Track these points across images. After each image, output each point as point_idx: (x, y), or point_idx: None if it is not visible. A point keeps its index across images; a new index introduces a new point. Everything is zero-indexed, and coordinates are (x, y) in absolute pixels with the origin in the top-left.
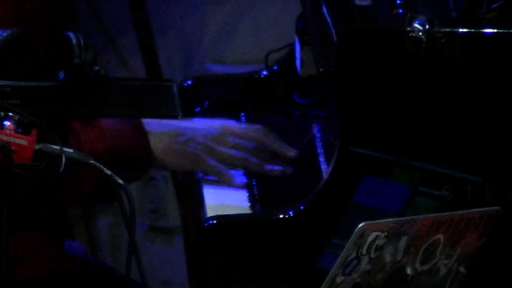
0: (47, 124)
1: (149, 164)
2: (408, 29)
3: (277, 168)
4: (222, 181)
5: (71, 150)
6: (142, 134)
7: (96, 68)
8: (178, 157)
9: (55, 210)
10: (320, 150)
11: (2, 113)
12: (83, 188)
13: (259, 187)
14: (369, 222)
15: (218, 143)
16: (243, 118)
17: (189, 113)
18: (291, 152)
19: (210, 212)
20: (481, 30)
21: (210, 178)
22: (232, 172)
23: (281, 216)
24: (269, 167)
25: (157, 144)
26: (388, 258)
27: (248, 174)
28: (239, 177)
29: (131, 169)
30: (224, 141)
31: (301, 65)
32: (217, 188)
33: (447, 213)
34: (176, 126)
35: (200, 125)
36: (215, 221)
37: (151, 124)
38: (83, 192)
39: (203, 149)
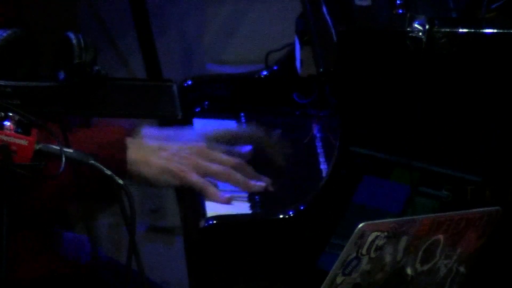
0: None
1: (123, 175)
2: (408, 29)
3: (259, 184)
4: (207, 197)
5: (71, 150)
6: (121, 144)
7: (96, 68)
8: (159, 172)
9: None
10: (320, 150)
11: (2, 113)
12: (83, 188)
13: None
14: (369, 222)
15: (202, 157)
16: (243, 118)
17: (189, 113)
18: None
19: (210, 212)
20: (481, 30)
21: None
22: (219, 185)
23: (281, 216)
24: (252, 182)
25: (135, 157)
26: (388, 258)
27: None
28: (224, 192)
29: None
30: (208, 156)
31: (301, 65)
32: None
33: (447, 213)
34: (162, 140)
35: (188, 138)
36: (215, 221)
37: (137, 134)
38: (83, 192)
39: (187, 164)
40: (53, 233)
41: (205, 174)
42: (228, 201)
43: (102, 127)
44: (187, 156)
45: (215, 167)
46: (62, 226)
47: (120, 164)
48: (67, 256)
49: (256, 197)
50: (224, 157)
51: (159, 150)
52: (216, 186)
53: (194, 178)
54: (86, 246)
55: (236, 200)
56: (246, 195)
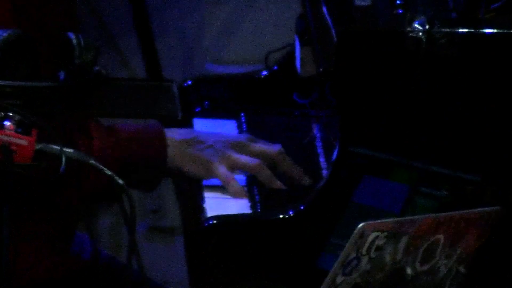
0: (49, 125)
1: (162, 172)
2: (408, 29)
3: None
4: (229, 192)
5: (71, 150)
6: (161, 142)
7: (97, 68)
8: (192, 163)
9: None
10: (320, 150)
11: (2, 113)
12: (83, 189)
13: (259, 187)
14: (369, 222)
15: (236, 150)
16: (243, 118)
17: (189, 113)
18: (304, 181)
19: (210, 212)
20: (481, 30)
21: (209, 183)
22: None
23: (281, 216)
24: (278, 182)
25: (174, 152)
26: (388, 258)
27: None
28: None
29: (143, 178)
30: (243, 149)
31: (301, 65)
32: (217, 189)
33: (447, 213)
34: (198, 134)
35: (225, 135)
36: (215, 221)
37: (173, 131)
38: (83, 193)
39: (218, 156)
40: (48, 231)
41: (234, 166)
42: (247, 197)
43: (132, 128)
44: (220, 148)
45: (243, 159)
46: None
47: (160, 158)
48: (71, 254)
49: (256, 197)
50: (258, 150)
51: (195, 142)
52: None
53: (221, 171)
54: (87, 244)
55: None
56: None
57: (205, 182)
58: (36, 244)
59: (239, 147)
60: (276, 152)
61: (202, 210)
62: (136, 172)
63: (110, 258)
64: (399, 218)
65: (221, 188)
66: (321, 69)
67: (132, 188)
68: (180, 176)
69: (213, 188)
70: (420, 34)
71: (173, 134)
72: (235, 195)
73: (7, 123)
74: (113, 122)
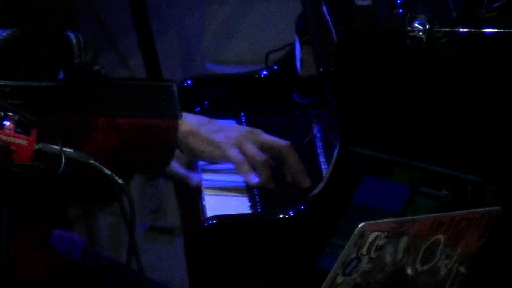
0: (50, 124)
1: (173, 147)
2: (408, 29)
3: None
4: (241, 172)
5: (71, 150)
6: (173, 117)
7: (96, 68)
8: (203, 143)
9: (54, 208)
10: (320, 150)
11: (2, 113)
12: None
13: (259, 187)
14: (369, 222)
15: (247, 139)
16: (243, 118)
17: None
18: (306, 182)
19: (210, 212)
20: (481, 30)
21: (210, 182)
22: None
23: (281, 216)
24: (272, 183)
25: (185, 127)
26: (388, 258)
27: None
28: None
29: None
30: (254, 140)
31: (301, 65)
32: (217, 189)
33: (447, 213)
34: (213, 119)
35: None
36: (215, 221)
37: (186, 114)
38: (82, 191)
39: (232, 141)
40: (48, 229)
41: (243, 153)
42: (255, 185)
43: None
44: (233, 133)
45: (253, 150)
46: (60, 225)
47: (171, 134)
48: (59, 253)
49: (256, 197)
50: (270, 141)
51: (209, 123)
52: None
53: (233, 152)
54: (77, 243)
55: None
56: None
57: (205, 184)
58: (30, 243)
59: (251, 136)
60: (287, 145)
61: (202, 210)
62: (147, 144)
63: (108, 260)
64: (400, 218)
65: (221, 188)
66: (321, 69)
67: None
68: (192, 155)
69: (213, 188)
70: (421, 33)
71: (187, 114)
72: (246, 177)
73: (6, 123)
74: None
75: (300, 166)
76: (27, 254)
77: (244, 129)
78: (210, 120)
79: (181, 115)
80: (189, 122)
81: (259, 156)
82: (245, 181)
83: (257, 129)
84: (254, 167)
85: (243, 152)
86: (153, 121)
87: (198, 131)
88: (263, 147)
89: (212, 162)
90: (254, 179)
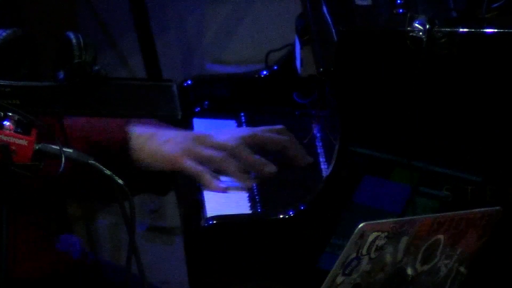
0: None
1: (127, 162)
2: (408, 29)
3: (251, 177)
4: (202, 184)
5: (71, 150)
6: (123, 131)
7: (96, 68)
8: (153, 157)
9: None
10: (320, 150)
11: (2, 113)
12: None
13: (259, 187)
14: (369, 222)
15: (198, 143)
16: (243, 118)
17: (189, 113)
18: (307, 159)
19: (210, 212)
20: (481, 30)
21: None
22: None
23: (281, 216)
24: (244, 175)
25: (134, 143)
26: (388, 258)
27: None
28: (221, 181)
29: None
30: (204, 142)
31: (301, 65)
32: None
33: (447, 213)
34: (159, 130)
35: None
36: (215, 221)
37: (134, 127)
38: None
39: (181, 149)
40: (48, 228)
41: (197, 159)
42: (223, 190)
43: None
44: (181, 141)
45: (207, 152)
46: (60, 226)
47: (123, 146)
48: (60, 254)
49: (256, 197)
50: (221, 142)
51: (154, 136)
52: (217, 177)
53: (187, 163)
54: (76, 245)
55: (234, 190)
56: (243, 187)
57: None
58: (29, 242)
59: (201, 140)
60: (235, 142)
61: (202, 210)
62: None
63: (105, 263)
64: (400, 218)
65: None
66: (321, 69)
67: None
68: (147, 170)
69: None
70: (421, 33)
71: (133, 129)
72: (210, 187)
73: (6, 123)
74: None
75: (298, 145)
76: (26, 252)
77: (192, 134)
78: (156, 131)
79: (181, 115)
80: (136, 136)
81: (216, 154)
82: (211, 189)
83: (205, 133)
84: (219, 171)
85: (197, 158)
86: (105, 137)
87: (145, 146)
88: (217, 147)
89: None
90: (218, 185)
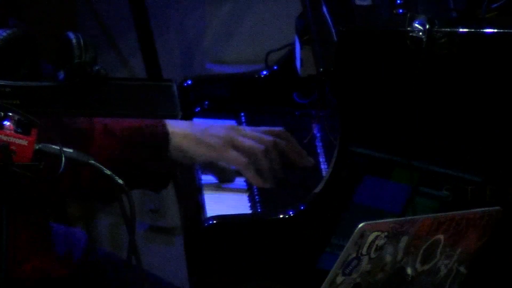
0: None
1: (167, 153)
2: (408, 29)
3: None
4: (246, 177)
5: (71, 150)
6: (163, 128)
7: (96, 68)
8: (198, 144)
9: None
10: (320, 150)
11: (2, 113)
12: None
13: (259, 187)
14: (369, 222)
15: (238, 134)
16: (243, 118)
17: (189, 113)
18: (309, 161)
19: (210, 212)
20: (481, 30)
21: (209, 182)
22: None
23: (281, 216)
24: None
25: (175, 129)
26: (388, 258)
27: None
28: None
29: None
30: (244, 133)
31: (301, 65)
32: (217, 189)
33: (447, 213)
34: (194, 122)
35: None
36: (215, 221)
37: (170, 122)
38: (80, 188)
39: (223, 138)
40: (46, 229)
41: (239, 148)
42: (268, 185)
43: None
44: (221, 130)
45: (249, 142)
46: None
47: (163, 137)
48: (60, 252)
49: (256, 197)
50: (258, 135)
51: (194, 124)
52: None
53: (233, 153)
54: (81, 240)
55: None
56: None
57: (204, 181)
58: (29, 242)
59: (239, 131)
60: (282, 131)
61: (202, 210)
62: (141, 166)
63: (107, 254)
64: (400, 218)
65: (221, 188)
66: (321, 69)
67: (143, 188)
68: (184, 158)
69: (213, 188)
70: (421, 33)
71: (172, 123)
72: (255, 181)
73: (6, 123)
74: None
75: (299, 148)
76: (26, 253)
77: (226, 125)
78: (192, 122)
79: (181, 115)
80: (179, 124)
81: (258, 146)
82: (252, 184)
83: (234, 124)
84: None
85: (237, 146)
86: (143, 122)
87: (190, 132)
88: (253, 138)
89: (205, 165)
90: (261, 181)
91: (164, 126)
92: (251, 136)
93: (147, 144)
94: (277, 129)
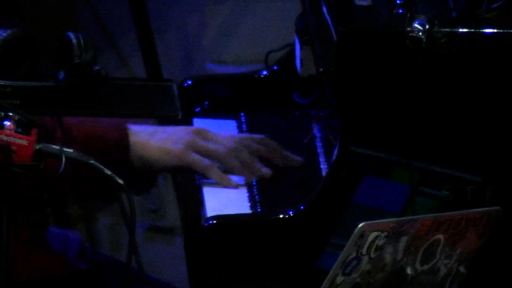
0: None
1: (127, 159)
2: (408, 29)
3: (266, 170)
4: (211, 178)
5: (71, 150)
6: (122, 127)
7: (96, 68)
8: (160, 152)
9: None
10: (320, 150)
11: (2, 113)
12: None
13: (259, 187)
14: (369, 222)
15: (200, 137)
16: (243, 118)
17: (189, 113)
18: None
19: (210, 212)
20: (481, 30)
21: (210, 181)
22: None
23: (281, 216)
24: (246, 172)
25: (136, 139)
26: (388, 258)
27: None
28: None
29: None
30: (206, 136)
31: (301, 65)
32: (217, 188)
33: (447, 213)
34: (158, 126)
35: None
36: (215, 221)
37: (132, 126)
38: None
39: (185, 144)
40: (45, 227)
41: (202, 153)
42: (234, 186)
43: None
44: (184, 135)
45: (211, 146)
46: (59, 224)
47: (123, 150)
48: (58, 252)
49: (256, 196)
50: (222, 138)
51: (155, 132)
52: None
53: (194, 157)
54: (74, 240)
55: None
56: (244, 186)
57: (204, 180)
58: (27, 241)
59: (202, 134)
60: (235, 142)
61: (202, 210)
62: (101, 156)
63: (105, 257)
64: (399, 218)
65: (221, 188)
66: (321, 69)
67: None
68: (148, 167)
69: (213, 188)
70: (420, 34)
71: (132, 127)
72: (220, 181)
73: (7, 123)
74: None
75: (281, 151)
76: (25, 253)
77: (191, 128)
78: (156, 127)
79: (181, 115)
80: (137, 133)
81: (221, 149)
82: (220, 184)
83: (203, 128)
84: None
85: (201, 152)
86: (107, 132)
87: (148, 142)
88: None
89: (173, 170)
90: (229, 180)
91: (124, 138)
92: (215, 139)
93: (106, 154)
94: (258, 136)
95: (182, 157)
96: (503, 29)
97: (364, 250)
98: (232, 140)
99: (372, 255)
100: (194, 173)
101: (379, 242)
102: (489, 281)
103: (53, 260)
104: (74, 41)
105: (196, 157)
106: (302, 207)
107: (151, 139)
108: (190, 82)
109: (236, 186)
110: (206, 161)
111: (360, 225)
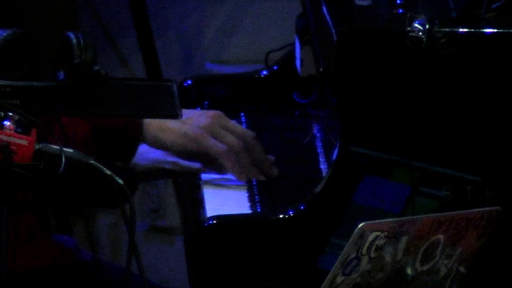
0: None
1: (137, 140)
2: (408, 29)
3: (274, 170)
4: (224, 165)
5: (71, 150)
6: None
7: (96, 68)
8: (175, 136)
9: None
10: (320, 150)
11: (2, 113)
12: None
13: (259, 187)
14: (369, 222)
15: (219, 125)
16: (243, 118)
17: None
18: (273, 171)
19: (210, 212)
20: (481, 30)
21: (210, 178)
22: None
23: (281, 216)
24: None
25: (150, 121)
26: (388, 258)
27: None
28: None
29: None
30: (226, 126)
31: (301, 65)
32: (217, 189)
33: (447, 213)
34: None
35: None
36: (215, 221)
37: None
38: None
39: (204, 127)
40: (46, 215)
41: (218, 139)
42: (244, 178)
43: None
44: (202, 120)
45: (229, 138)
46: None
47: (136, 128)
48: (57, 243)
49: (256, 196)
50: (239, 130)
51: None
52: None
53: (212, 142)
54: (70, 244)
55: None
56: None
57: (203, 177)
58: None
59: (220, 120)
60: (252, 135)
61: (202, 210)
62: (108, 153)
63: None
64: (399, 218)
65: (221, 188)
66: (321, 69)
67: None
68: (168, 149)
69: (213, 187)
70: (420, 34)
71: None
72: (233, 171)
73: (6, 123)
74: None
75: (264, 156)
76: (25, 240)
77: (210, 113)
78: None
79: (181, 115)
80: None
81: (237, 143)
82: (231, 173)
83: (219, 112)
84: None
85: (219, 138)
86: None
87: (164, 124)
88: (233, 133)
89: (186, 156)
90: (241, 173)
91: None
92: (232, 129)
93: (118, 132)
94: (250, 132)
95: (200, 141)
96: (503, 29)
97: (364, 250)
98: (249, 135)
99: (372, 255)
100: (197, 172)
101: (379, 242)
102: (489, 281)
103: (55, 249)
104: (74, 41)
105: (212, 142)
106: (302, 207)
107: (169, 122)
108: (190, 82)
109: (246, 179)
110: (223, 147)
111: (360, 225)
